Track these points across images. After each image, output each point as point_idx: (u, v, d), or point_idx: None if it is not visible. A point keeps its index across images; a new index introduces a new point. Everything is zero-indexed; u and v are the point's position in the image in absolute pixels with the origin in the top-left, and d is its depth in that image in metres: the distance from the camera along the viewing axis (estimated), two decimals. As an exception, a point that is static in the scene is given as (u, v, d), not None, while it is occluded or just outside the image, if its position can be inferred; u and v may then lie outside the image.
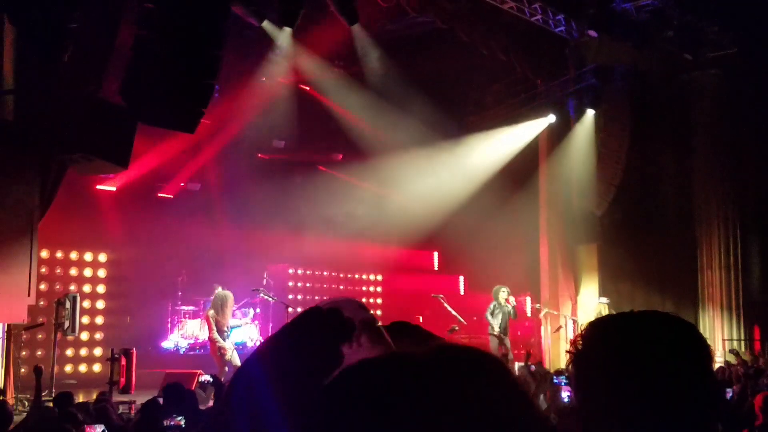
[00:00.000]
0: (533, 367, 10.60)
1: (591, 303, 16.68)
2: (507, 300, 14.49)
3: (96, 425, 5.68)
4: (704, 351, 1.37)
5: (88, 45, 9.46)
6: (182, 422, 6.35)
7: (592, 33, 15.27)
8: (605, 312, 14.78)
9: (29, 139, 9.37)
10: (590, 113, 16.69)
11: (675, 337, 1.36)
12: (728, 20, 15.28)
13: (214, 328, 12.24)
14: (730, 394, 8.88)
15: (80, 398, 10.31)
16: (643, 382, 1.28)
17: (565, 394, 8.37)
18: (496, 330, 14.28)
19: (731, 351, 13.31)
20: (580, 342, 1.37)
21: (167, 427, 6.19)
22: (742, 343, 15.75)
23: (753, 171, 16.38)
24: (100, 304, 15.63)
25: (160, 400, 8.17)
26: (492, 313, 14.46)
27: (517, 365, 13.14)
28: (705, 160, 16.35)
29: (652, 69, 15.93)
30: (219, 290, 12.73)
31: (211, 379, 9.79)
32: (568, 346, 1.40)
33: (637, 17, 15.25)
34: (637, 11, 15.22)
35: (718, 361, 13.46)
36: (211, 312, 12.41)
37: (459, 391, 0.86)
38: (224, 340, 12.28)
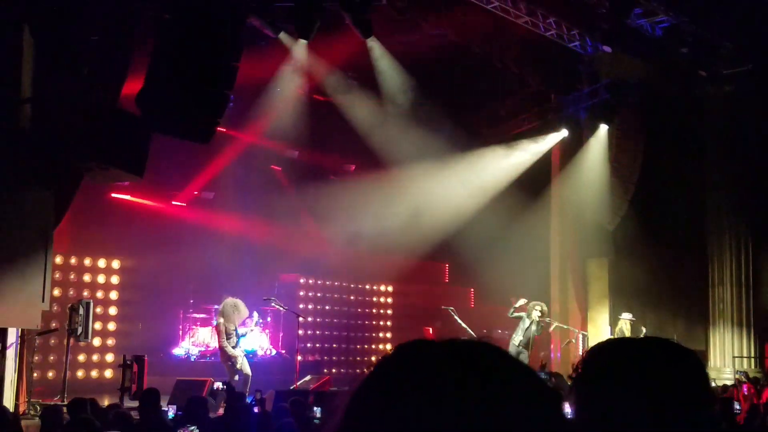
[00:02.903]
0: (553, 379, 10.60)
1: (602, 317, 16.65)
2: (541, 319, 14.36)
3: (113, 432, 5.73)
4: (703, 377, 1.41)
5: (107, 55, 9.58)
6: (195, 431, 6.40)
7: (606, 48, 15.30)
8: (627, 328, 14.74)
9: (46, 147, 9.47)
10: (603, 128, 16.70)
11: (675, 365, 1.39)
12: (742, 37, 15.29)
13: (224, 337, 12.28)
14: (738, 408, 8.87)
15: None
16: (642, 409, 1.32)
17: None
18: (517, 342, 14.21)
19: (740, 373, 13.25)
20: (581, 367, 1.41)
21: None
22: (753, 360, 15.67)
23: (765, 188, 16.33)
24: (113, 311, 15.74)
25: (171, 409, 8.27)
26: (516, 318, 14.32)
27: None
28: (717, 177, 16.33)
29: (665, 85, 15.95)
30: (228, 299, 12.77)
31: (225, 387, 9.86)
32: (576, 362, 1.44)
33: (651, 33, 15.29)
34: (651, 27, 15.26)
35: (727, 378, 13.41)
36: (221, 320, 12.46)
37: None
38: (234, 347, 12.32)
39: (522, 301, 14.37)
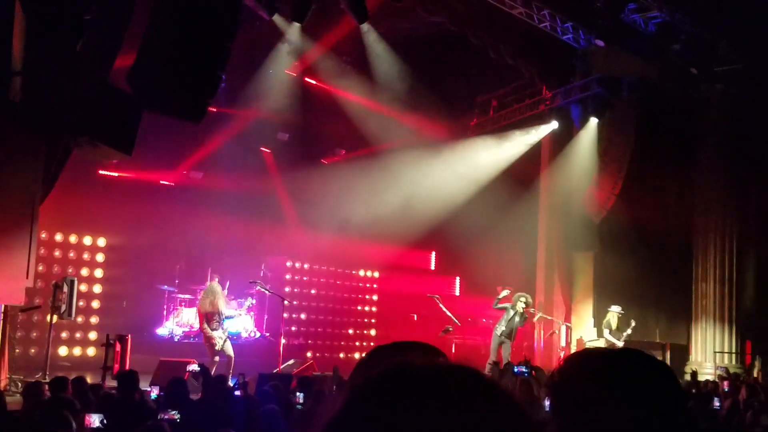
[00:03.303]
0: (534, 373, 10.67)
1: (585, 310, 16.74)
2: (526, 310, 14.43)
3: (95, 414, 5.68)
4: (675, 388, 1.44)
5: (100, 31, 9.48)
6: (176, 416, 6.37)
7: (600, 42, 15.31)
8: (615, 320, 14.82)
9: (35, 121, 9.39)
10: (593, 122, 16.74)
11: (647, 375, 1.43)
12: (736, 35, 15.33)
13: (205, 320, 12.28)
14: (718, 405, 8.96)
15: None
16: (615, 417, 1.35)
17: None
18: (500, 332, 14.27)
19: (721, 369, 13.36)
20: (557, 375, 1.44)
21: (162, 420, 6.21)
22: (734, 356, 15.82)
23: (754, 186, 16.43)
24: (97, 288, 15.67)
25: (153, 389, 8.24)
26: (500, 309, 14.40)
27: (487, 366, 13.24)
28: (706, 174, 16.41)
29: (658, 81, 15.97)
30: (212, 282, 12.76)
31: (199, 368, 9.84)
32: (559, 351, 1.48)
33: (645, 29, 15.30)
34: (645, 23, 15.27)
35: (708, 373, 13.53)
36: (204, 303, 12.44)
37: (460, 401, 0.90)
38: (216, 329, 12.30)
39: (506, 292, 14.43)
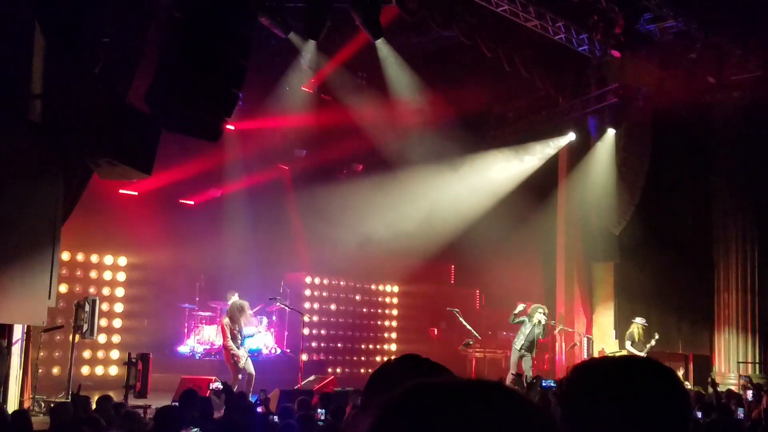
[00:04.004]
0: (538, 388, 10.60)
1: (607, 321, 16.63)
2: (547, 322, 14.38)
3: (118, 431, 5.73)
4: (682, 396, 1.44)
5: (117, 52, 9.60)
6: (197, 432, 6.41)
7: (615, 53, 15.28)
8: (639, 332, 14.72)
9: (55, 142, 9.51)
10: (611, 132, 16.69)
11: (655, 383, 1.43)
12: (752, 43, 15.25)
13: (229, 336, 12.28)
14: (742, 415, 8.86)
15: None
16: (622, 426, 1.35)
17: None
18: (519, 346, 14.21)
19: (745, 378, 13.20)
20: (566, 385, 1.45)
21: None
22: (757, 366, 15.65)
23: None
24: (119, 307, 15.77)
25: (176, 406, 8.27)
26: (518, 323, 14.35)
27: (509, 378, 13.18)
28: (725, 182, 16.30)
29: (674, 90, 15.91)
30: (235, 298, 12.78)
31: (221, 386, 9.86)
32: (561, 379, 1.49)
33: (660, 38, 15.26)
34: (661, 33, 15.24)
35: (732, 383, 13.39)
36: (226, 320, 12.46)
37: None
38: (238, 347, 12.34)
39: (521, 307, 14.39)
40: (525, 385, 11.62)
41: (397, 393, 0.98)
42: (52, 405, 8.66)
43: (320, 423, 7.49)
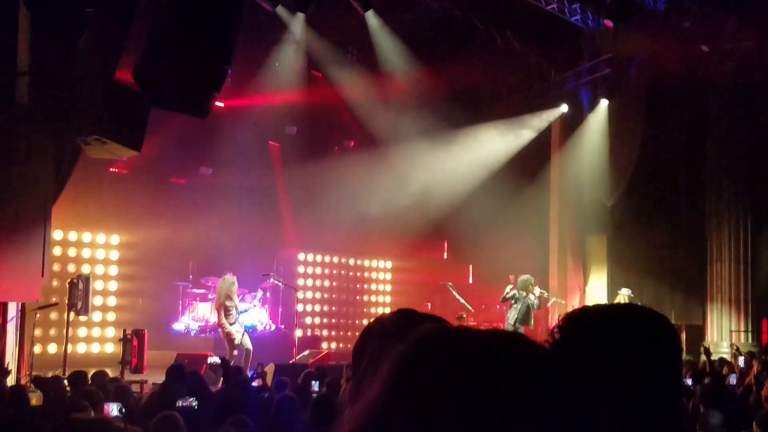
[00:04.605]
0: None
1: (599, 293, 16.70)
2: (532, 291, 14.30)
3: (113, 403, 5.77)
4: (675, 342, 1.44)
5: (104, 28, 9.52)
6: (194, 403, 6.45)
7: (608, 23, 15.20)
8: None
9: (43, 121, 9.46)
10: (603, 103, 16.64)
11: (647, 329, 1.42)
12: (745, 12, 15.18)
13: (223, 314, 12.35)
14: (734, 382, 8.94)
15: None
16: (616, 371, 1.35)
17: None
18: (512, 320, 14.22)
19: (731, 346, 13.31)
20: (557, 333, 1.43)
21: (180, 407, 6.28)
22: (749, 334, 15.77)
23: (766, 165, 16.30)
24: (113, 286, 15.79)
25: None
26: (510, 301, 14.30)
27: None
28: (718, 153, 16.30)
29: (668, 60, 15.85)
30: (226, 276, 12.82)
31: (219, 361, 9.91)
32: (552, 327, 1.47)
33: (654, 7, 15.18)
34: (654, 1, 15.15)
35: (724, 352, 13.48)
36: (220, 298, 12.51)
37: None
38: (233, 324, 12.38)
39: (509, 288, 14.34)
40: None
41: (418, 337, 0.96)
42: (40, 379, 8.70)
43: (314, 395, 7.54)
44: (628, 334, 1.40)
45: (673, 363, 1.42)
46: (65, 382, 8.03)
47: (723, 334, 15.88)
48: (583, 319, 1.46)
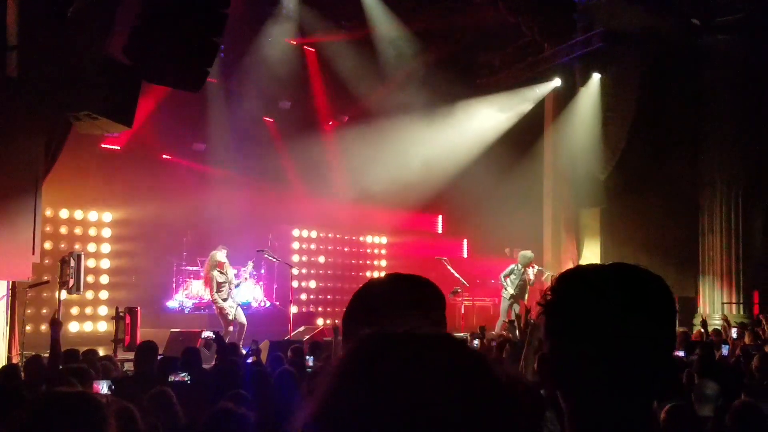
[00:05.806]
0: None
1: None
2: (531, 265, 14.43)
3: (102, 381, 5.75)
4: (670, 301, 1.41)
5: (95, 3, 9.39)
6: (186, 378, 6.44)
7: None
8: None
9: (33, 96, 9.34)
10: (596, 77, 16.59)
11: (642, 288, 1.39)
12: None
13: (214, 289, 12.35)
14: (726, 352, 9.00)
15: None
16: (611, 331, 1.32)
17: None
18: (508, 296, 14.28)
19: (724, 318, 13.36)
20: (551, 293, 1.40)
21: (173, 382, 6.27)
22: (741, 306, 15.84)
23: (759, 137, 16.30)
24: (105, 264, 15.70)
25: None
26: (508, 276, 14.42)
27: (499, 325, 13.30)
28: (711, 125, 16.26)
29: (661, 33, 15.76)
30: (215, 250, 12.81)
31: (213, 336, 9.89)
32: (544, 289, 1.44)
33: (646, -20, 15.07)
34: (646, -26, 15.04)
35: (716, 324, 13.53)
36: (211, 272, 12.50)
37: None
38: (226, 299, 12.38)
39: (512, 266, 14.42)
40: (519, 328, 11.70)
41: (357, 344, 1.03)
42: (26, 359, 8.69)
43: (308, 370, 7.54)
44: (623, 292, 1.36)
45: (668, 322, 1.39)
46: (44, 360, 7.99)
47: (715, 306, 15.95)
48: (576, 278, 1.43)
